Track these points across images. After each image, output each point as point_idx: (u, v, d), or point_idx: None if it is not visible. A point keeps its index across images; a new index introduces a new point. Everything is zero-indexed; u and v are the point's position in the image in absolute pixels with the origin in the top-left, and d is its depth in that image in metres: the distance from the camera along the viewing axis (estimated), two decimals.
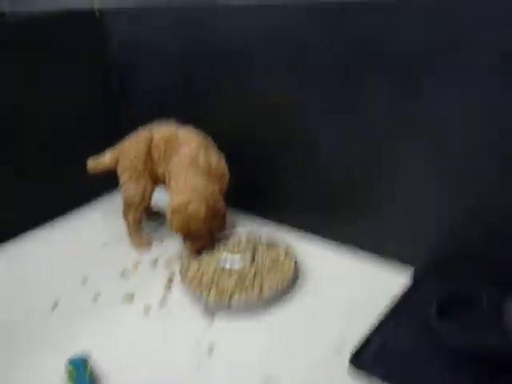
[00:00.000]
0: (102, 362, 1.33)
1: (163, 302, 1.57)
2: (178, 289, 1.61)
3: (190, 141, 1.77)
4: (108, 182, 2.17)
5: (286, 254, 1.65)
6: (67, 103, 2.08)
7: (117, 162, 1.86)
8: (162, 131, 1.82)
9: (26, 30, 1.92)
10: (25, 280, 1.75)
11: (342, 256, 1.70)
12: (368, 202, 1.63)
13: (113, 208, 2.13)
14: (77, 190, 2.18)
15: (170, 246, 1.85)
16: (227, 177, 1.79)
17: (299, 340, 1.38)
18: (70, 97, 2.09)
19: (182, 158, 1.73)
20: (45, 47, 1.99)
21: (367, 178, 1.60)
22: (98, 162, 1.91)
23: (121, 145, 1.89)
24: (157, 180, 1.85)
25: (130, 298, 1.60)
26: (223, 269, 1.58)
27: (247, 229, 1.85)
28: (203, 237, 1.68)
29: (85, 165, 1.95)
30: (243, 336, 1.41)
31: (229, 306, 1.47)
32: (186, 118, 1.90)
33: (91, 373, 1.28)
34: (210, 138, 1.83)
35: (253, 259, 1.60)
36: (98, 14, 2.12)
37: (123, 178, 1.85)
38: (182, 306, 1.55)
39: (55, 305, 1.60)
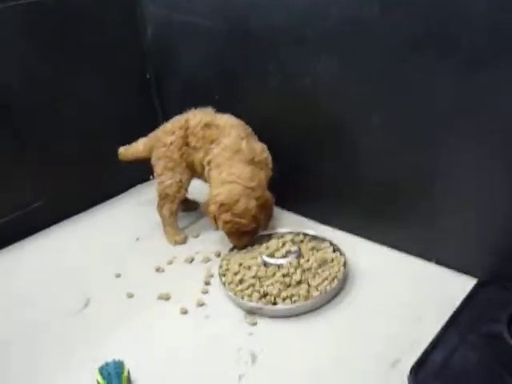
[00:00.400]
0: (136, 367, 1.23)
1: (200, 303, 1.46)
2: (216, 289, 1.51)
3: (231, 129, 1.66)
4: (141, 172, 2.11)
5: (334, 253, 1.53)
6: (101, 90, 2.00)
7: (151, 150, 1.77)
8: (198, 117, 1.72)
9: (66, 10, 1.84)
10: (54, 274, 1.67)
11: (390, 259, 1.57)
12: (420, 203, 1.50)
13: (146, 200, 2.04)
14: (108, 181, 2.10)
15: (208, 242, 1.74)
16: (271, 165, 1.68)
17: (350, 348, 1.26)
18: (104, 84, 2.01)
19: (225, 147, 1.62)
20: (81, 27, 1.89)
21: (420, 177, 1.47)
22: (131, 150, 1.83)
23: (155, 132, 1.79)
24: (193, 170, 1.75)
25: (165, 297, 1.50)
26: (266, 267, 1.46)
27: (289, 227, 1.72)
28: (251, 232, 1.57)
29: (115, 155, 1.88)
30: (289, 342, 1.30)
31: (273, 310, 1.37)
32: (223, 107, 1.79)
33: (128, 379, 1.19)
34: (249, 127, 1.72)
35: (298, 257, 1.48)
36: None
37: (158, 167, 1.75)
38: (222, 308, 1.44)
39: (87, 302, 1.52)
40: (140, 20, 2.05)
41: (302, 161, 1.76)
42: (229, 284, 1.46)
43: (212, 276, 1.57)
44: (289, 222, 1.79)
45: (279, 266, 1.45)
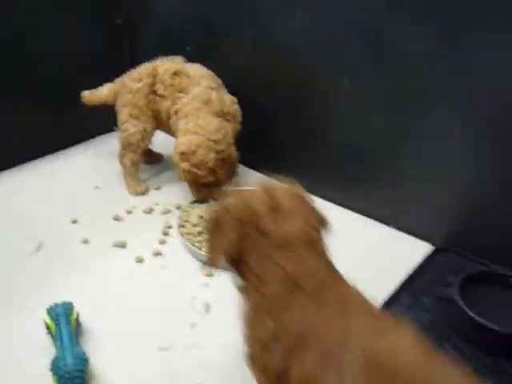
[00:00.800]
0: (87, 313, 1.20)
1: (157, 253, 1.43)
2: (174, 240, 1.48)
3: (202, 79, 1.61)
4: (104, 122, 2.04)
5: None
6: (66, 33, 1.88)
7: (116, 96, 1.71)
8: (167, 65, 1.65)
9: None
10: (9, 216, 1.61)
11: (352, 222, 1.57)
12: (384, 168, 1.50)
13: (108, 150, 1.97)
14: (70, 130, 2.00)
15: (168, 194, 1.71)
16: (240, 118, 1.64)
17: None
18: (72, 31, 1.89)
19: (194, 97, 1.57)
20: None
21: (387, 142, 1.47)
22: (95, 94, 1.75)
23: (122, 78, 1.73)
24: (159, 119, 1.69)
25: (121, 245, 1.46)
26: None
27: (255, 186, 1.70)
28: (210, 185, 1.54)
29: (78, 103, 1.79)
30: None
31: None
32: (195, 58, 1.73)
33: (77, 321, 1.16)
34: (219, 79, 1.67)
35: None
36: None
37: (122, 114, 1.68)
38: (178, 259, 1.42)
39: (40, 245, 1.46)
40: None
41: (271, 119, 1.73)
42: (187, 235, 1.43)
43: (170, 227, 1.54)
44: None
45: None
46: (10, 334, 1.18)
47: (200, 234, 1.42)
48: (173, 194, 1.70)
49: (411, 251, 1.44)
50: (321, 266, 0.80)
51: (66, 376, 1.01)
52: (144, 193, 1.72)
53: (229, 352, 1.14)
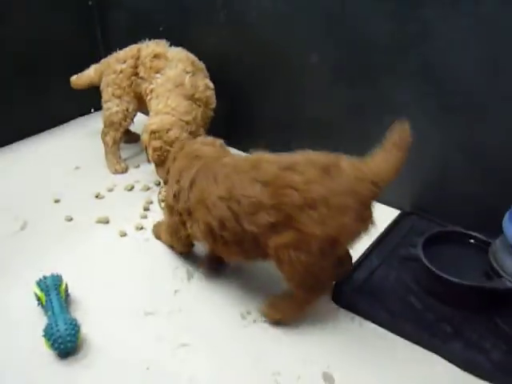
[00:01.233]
0: (75, 285, 1.27)
1: (139, 227, 1.50)
2: (155, 215, 1.54)
3: (179, 62, 1.65)
4: (81, 105, 2.09)
5: None
6: (38, 14, 1.91)
7: (101, 76, 1.75)
8: (150, 48, 1.70)
9: None
10: None
11: None
12: (353, 142, 1.56)
13: (87, 132, 2.02)
14: (47, 112, 2.04)
15: (148, 172, 1.76)
16: (213, 104, 1.70)
17: None
18: (42, 8, 1.92)
19: (168, 79, 1.62)
20: None
21: (355, 115, 1.55)
22: (83, 77, 1.81)
23: (107, 59, 1.77)
24: (141, 101, 1.74)
25: (104, 220, 1.52)
26: None
27: None
28: None
29: (55, 85, 1.84)
30: (222, 263, 1.37)
31: None
32: (167, 39, 1.77)
33: (66, 292, 1.23)
34: (201, 63, 1.72)
35: None
36: None
37: (106, 93, 1.74)
38: None
39: (24, 225, 1.52)
40: None
41: (245, 97, 1.79)
42: None
43: (151, 203, 1.61)
44: None
45: None
46: (2, 306, 1.24)
47: None
48: (152, 172, 1.74)
49: (380, 217, 1.52)
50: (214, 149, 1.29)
51: (59, 341, 1.08)
52: (124, 171, 1.78)
53: (210, 314, 1.22)
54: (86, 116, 2.17)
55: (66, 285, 1.23)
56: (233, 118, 1.83)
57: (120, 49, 1.78)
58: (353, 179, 1.04)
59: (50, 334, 1.09)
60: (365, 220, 1.08)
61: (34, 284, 1.22)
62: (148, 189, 1.68)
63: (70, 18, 2.02)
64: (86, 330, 1.16)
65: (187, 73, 1.65)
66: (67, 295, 1.23)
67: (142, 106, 1.77)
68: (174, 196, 1.24)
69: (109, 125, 1.74)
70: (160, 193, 1.58)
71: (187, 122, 1.57)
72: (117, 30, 2.11)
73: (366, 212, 1.08)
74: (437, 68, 1.33)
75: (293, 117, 1.70)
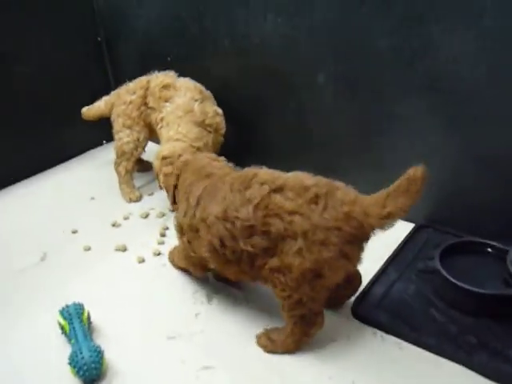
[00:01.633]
0: (97, 312, 1.28)
1: (157, 253, 1.52)
2: (172, 240, 1.55)
3: (187, 90, 1.69)
4: (94, 137, 2.15)
5: None
6: (52, 52, 1.97)
7: (112, 107, 1.80)
8: (159, 79, 1.74)
9: None
10: (11, 231, 1.68)
11: None
12: (364, 156, 1.60)
13: (100, 163, 2.06)
14: (59, 145, 2.09)
15: (162, 199, 1.77)
16: (223, 130, 1.73)
17: None
18: (55, 46, 1.98)
19: (177, 106, 1.66)
20: None
21: (364, 132, 1.57)
22: (93, 108, 1.86)
23: (117, 90, 1.82)
24: (152, 130, 1.78)
25: (122, 248, 1.54)
26: None
27: None
28: None
29: (68, 118, 1.89)
30: (241, 286, 1.38)
31: None
32: (176, 69, 1.82)
33: (88, 319, 1.24)
34: (208, 91, 1.76)
35: None
36: None
37: (117, 124, 1.78)
38: None
39: (44, 256, 1.54)
40: None
41: (253, 120, 1.82)
42: None
43: (167, 228, 1.63)
44: None
45: None
46: (28, 336, 1.25)
47: None
48: (166, 199, 1.77)
49: (394, 231, 1.53)
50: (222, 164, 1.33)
51: (84, 368, 1.09)
52: (138, 199, 1.81)
53: (233, 336, 1.23)
54: (98, 148, 2.21)
55: (88, 313, 1.25)
56: (242, 144, 1.85)
57: (130, 80, 1.83)
58: (341, 215, 1.03)
59: (75, 362, 1.10)
60: (350, 257, 1.06)
61: (57, 313, 1.23)
62: (163, 215, 1.71)
63: (80, 54, 2.08)
64: (109, 356, 1.16)
65: (195, 100, 1.68)
66: (90, 323, 1.24)
67: (152, 134, 1.81)
68: (185, 215, 1.24)
69: (121, 155, 1.78)
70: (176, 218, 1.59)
71: (198, 148, 1.59)
72: (126, 63, 2.16)
73: (351, 249, 1.05)
74: (443, 80, 1.35)
75: (301, 138, 1.73)
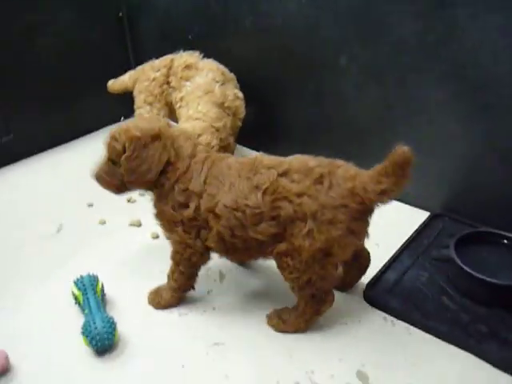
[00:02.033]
0: (111, 285, 1.30)
1: None
2: None
3: (209, 71, 1.69)
4: (113, 112, 2.15)
5: None
6: (73, 27, 1.99)
7: (135, 82, 1.81)
8: (183, 59, 1.74)
9: None
10: (30, 201, 1.71)
11: None
12: (383, 142, 1.56)
13: None
14: (79, 119, 2.11)
15: None
16: (242, 114, 1.72)
17: None
18: (76, 21, 1.99)
19: (198, 86, 1.65)
20: None
21: (383, 116, 1.56)
22: (118, 82, 1.87)
23: (142, 66, 1.82)
24: (172, 110, 1.78)
25: (137, 224, 1.56)
26: None
27: None
28: None
29: (88, 93, 1.91)
30: (252, 264, 1.40)
31: None
32: (197, 47, 1.81)
33: (102, 291, 1.26)
34: (232, 74, 1.75)
35: None
36: None
37: (138, 100, 1.79)
38: None
39: (60, 227, 1.56)
40: None
41: (273, 101, 1.81)
42: None
43: None
44: None
45: None
46: (42, 305, 1.28)
47: None
48: None
49: (410, 219, 1.53)
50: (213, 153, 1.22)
51: (97, 338, 1.11)
52: None
53: (244, 314, 1.24)
54: (117, 123, 2.22)
55: (102, 285, 1.26)
56: (263, 125, 1.85)
57: (150, 57, 1.83)
58: (345, 192, 1.04)
59: (88, 332, 1.12)
60: (357, 233, 1.07)
61: (71, 283, 1.25)
62: None
63: (102, 30, 2.09)
64: (121, 328, 1.18)
65: (217, 82, 1.68)
66: (103, 295, 1.26)
67: (172, 114, 1.80)
68: (173, 209, 1.15)
69: None
70: None
71: (217, 129, 1.59)
72: (147, 40, 2.16)
73: (358, 225, 1.06)
74: (467, 67, 1.33)
75: (320, 120, 1.72)
